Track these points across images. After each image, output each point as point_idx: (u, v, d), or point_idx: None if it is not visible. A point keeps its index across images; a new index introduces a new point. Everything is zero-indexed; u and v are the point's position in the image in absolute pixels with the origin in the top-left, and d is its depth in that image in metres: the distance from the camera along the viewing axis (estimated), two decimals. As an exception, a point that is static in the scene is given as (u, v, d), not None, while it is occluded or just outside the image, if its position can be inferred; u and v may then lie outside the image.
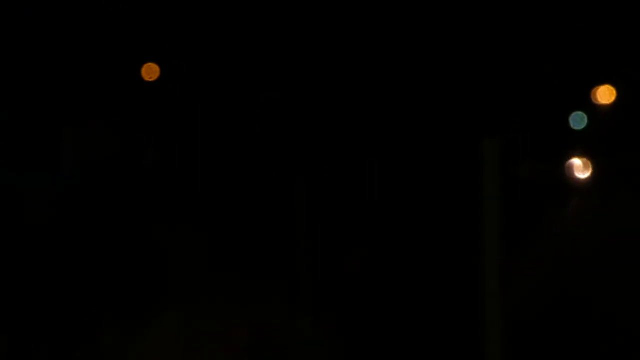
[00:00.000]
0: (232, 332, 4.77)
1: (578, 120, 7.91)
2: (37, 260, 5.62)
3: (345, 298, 5.52)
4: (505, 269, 3.91)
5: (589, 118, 7.95)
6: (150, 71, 7.82)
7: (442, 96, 6.59)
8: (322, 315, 5.06)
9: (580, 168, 8.08)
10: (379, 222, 6.33)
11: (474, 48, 6.72)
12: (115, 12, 7.63)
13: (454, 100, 6.63)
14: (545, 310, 4.93)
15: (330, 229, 6.18)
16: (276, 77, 7.31)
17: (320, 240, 5.86)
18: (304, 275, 5.43)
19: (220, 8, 7.54)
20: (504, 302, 3.84)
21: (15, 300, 5.20)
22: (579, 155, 7.86)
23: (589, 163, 8.05)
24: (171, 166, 7.82)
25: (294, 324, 4.96)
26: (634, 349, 4.57)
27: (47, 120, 7.67)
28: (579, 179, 8.12)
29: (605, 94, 8.04)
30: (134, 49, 7.81)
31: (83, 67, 7.85)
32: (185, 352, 4.64)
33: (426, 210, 6.32)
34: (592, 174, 8.08)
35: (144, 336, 4.70)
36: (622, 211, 6.53)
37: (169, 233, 6.30)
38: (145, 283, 5.65)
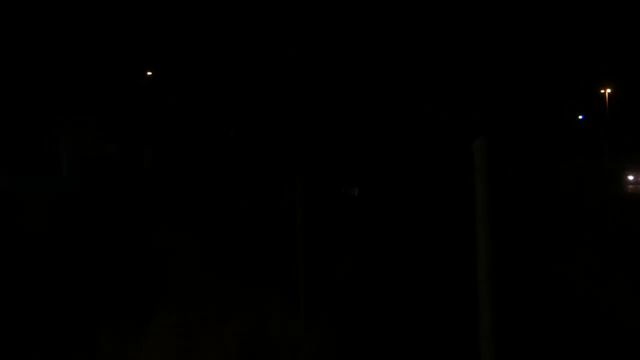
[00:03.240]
0: (228, 334, 4.73)
1: None
2: (36, 263, 5.61)
3: (337, 302, 5.55)
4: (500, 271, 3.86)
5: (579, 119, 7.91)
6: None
7: (434, 98, 6.58)
8: (315, 318, 5.06)
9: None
10: (373, 227, 6.31)
11: (466, 53, 6.70)
12: (111, 17, 7.58)
13: (446, 101, 6.62)
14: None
15: (326, 235, 6.19)
16: (270, 84, 7.25)
17: (315, 247, 5.86)
18: (301, 281, 5.42)
19: (216, 11, 7.46)
20: (499, 300, 3.78)
21: (15, 303, 5.17)
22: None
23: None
24: (169, 169, 7.79)
25: (288, 327, 4.96)
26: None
27: (44, 125, 7.61)
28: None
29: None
30: (130, 52, 7.75)
31: (79, 70, 7.78)
32: (182, 354, 4.59)
33: (419, 212, 6.31)
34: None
35: (142, 338, 4.68)
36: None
37: (167, 236, 6.30)
38: (143, 286, 5.68)
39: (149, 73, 13.81)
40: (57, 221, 6.32)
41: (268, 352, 4.70)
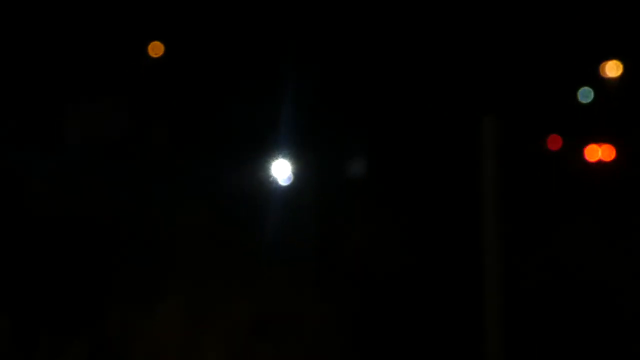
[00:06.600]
0: (236, 309, 4.85)
1: (585, 95, 7.85)
2: (43, 242, 5.63)
3: (349, 275, 5.57)
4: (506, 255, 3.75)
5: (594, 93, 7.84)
6: (156, 48, 7.67)
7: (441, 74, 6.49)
8: (326, 291, 5.14)
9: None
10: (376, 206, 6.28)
11: (475, 26, 6.61)
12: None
13: (453, 77, 6.52)
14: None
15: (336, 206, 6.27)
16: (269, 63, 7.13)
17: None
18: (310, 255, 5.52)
19: None
20: (504, 289, 3.75)
21: (23, 280, 5.20)
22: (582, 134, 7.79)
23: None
24: (178, 144, 7.66)
25: (295, 300, 5.05)
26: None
27: (49, 98, 7.43)
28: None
29: (612, 69, 7.93)
30: (143, 21, 7.56)
31: (86, 41, 7.58)
32: (190, 331, 4.70)
33: (422, 194, 6.27)
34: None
35: (149, 316, 4.77)
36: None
37: (175, 212, 6.29)
38: (151, 262, 5.65)
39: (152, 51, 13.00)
40: (62, 198, 6.28)
41: (276, 323, 4.80)
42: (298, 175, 6.27)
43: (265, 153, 6.49)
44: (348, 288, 5.32)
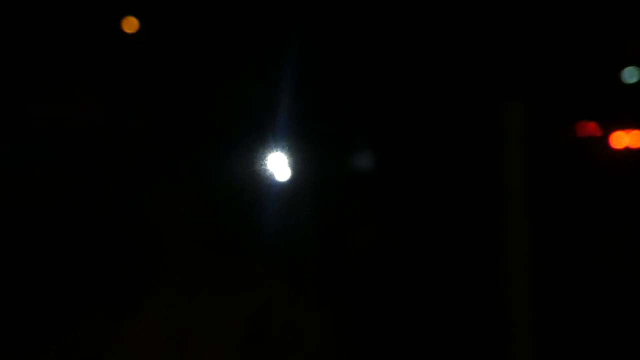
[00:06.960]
0: (227, 317, 4.67)
1: (631, 74, 7.63)
2: (14, 243, 5.42)
3: (352, 278, 5.38)
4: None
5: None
6: (130, 24, 7.22)
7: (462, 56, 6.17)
8: (327, 295, 5.03)
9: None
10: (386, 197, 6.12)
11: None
12: None
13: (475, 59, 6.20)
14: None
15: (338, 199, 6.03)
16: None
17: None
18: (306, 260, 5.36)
19: None
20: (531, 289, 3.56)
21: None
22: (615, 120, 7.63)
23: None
24: (159, 134, 7.36)
25: (291, 309, 4.88)
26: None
27: (14, 81, 7.03)
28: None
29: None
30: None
31: (56, 16, 7.17)
32: (177, 341, 4.52)
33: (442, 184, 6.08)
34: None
35: (132, 326, 4.60)
36: None
37: (157, 211, 6.10)
38: (133, 268, 5.45)
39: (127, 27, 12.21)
40: (28, 197, 6.10)
41: (270, 334, 4.65)
42: (297, 170, 6.12)
43: (261, 146, 6.27)
44: (351, 292, 5.16)
